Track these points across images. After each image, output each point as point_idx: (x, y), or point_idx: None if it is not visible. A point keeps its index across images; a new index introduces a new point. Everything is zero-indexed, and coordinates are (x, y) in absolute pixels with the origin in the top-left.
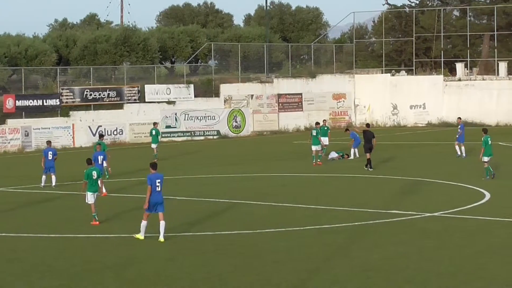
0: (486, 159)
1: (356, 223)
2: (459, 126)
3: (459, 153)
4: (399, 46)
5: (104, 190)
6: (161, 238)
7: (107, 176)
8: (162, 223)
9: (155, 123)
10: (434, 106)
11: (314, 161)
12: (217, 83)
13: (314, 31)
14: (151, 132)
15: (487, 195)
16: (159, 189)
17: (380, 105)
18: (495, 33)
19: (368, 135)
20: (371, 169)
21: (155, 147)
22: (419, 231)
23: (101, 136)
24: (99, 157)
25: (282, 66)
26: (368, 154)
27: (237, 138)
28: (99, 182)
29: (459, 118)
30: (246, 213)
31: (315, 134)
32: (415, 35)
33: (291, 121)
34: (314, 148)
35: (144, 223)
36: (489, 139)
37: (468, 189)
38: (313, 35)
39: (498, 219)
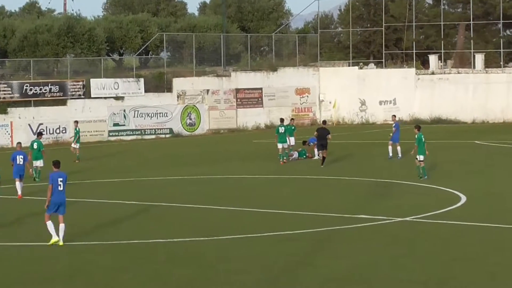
0: (421, 157)
1: (321, 229)
2: (394, 125)
3: (391, 154)
4: (367, 37)
5: (19, 192)
6: (61, 242)
7: (37, 179)
8: (62, 226)
9: (76, 122)
10: (405, 102)
11: (281, 159)
12: (170, 77)
13: (275, 20)
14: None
15: (463, 198)
16: (62, 188)
17: (347, 101)
18: (471, 22)
19: (322, 132)
20: (322, 166)
21: (77, 148)
22: (390, 237)
23: (39, 134)
24: (18, 156)
25: (241, 58)
26: (322, 152)
27: (191, 137)
28: (18, 183)
29: (394, 115)
30: (201, 218)
31: (283, 131)
32: (385, 24)
33: (250, 118)
34: (280, 145)
35: (49, 223)
36: (422, 136)
37: (443, 191)
38: (274, 25)
39: (473, 224)
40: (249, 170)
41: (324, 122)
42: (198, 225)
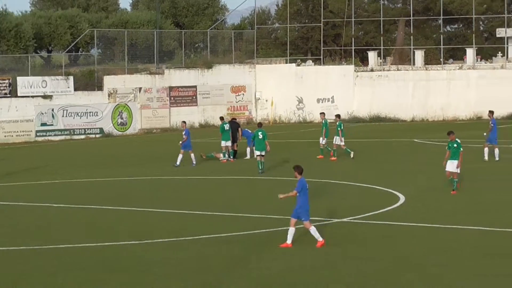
0: (257, 153)
1: (256, 231)
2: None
3: (248, 156)
4: (305, 33)
5: None
6: None
7: None
8: None
9: None
10: (344, 100)
11: (224, 157)
12: (101, 74)
13: (210, 16)
14: None
15: (401, 198)
16: None
17: (284, 99)
18: (411, 18)
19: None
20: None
21: None
22: (327, 239)
23: None
24: None
25: (175, 55)
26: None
27: (123, 137)
28: None
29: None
30: (134, 221)
31: (227, 129)
32: (323, 20)
33: (184, 117)
34: (224, 144)
35: None
36: (259, 133)
37: (381, 191)
38: (209, 21)
39: (411, 224)
40: (183, 171)
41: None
42: (131, 228)
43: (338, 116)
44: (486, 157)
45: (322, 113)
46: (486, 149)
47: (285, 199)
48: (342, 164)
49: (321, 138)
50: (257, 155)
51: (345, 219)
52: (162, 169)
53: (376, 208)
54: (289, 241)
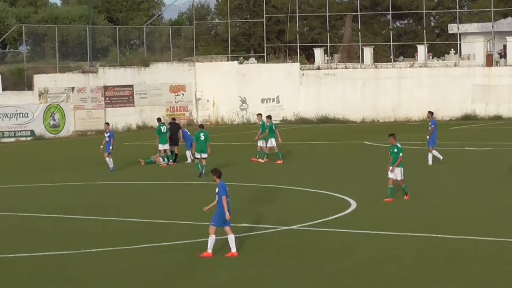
0: (197, 155)
1: (201, 240)
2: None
3: (189, 159)
4: (247, 29)
5: None
6: None
7: None
8: None
9: None
10: (290, 100)
11: (164, 161)
12: (30, 73)
13: (146, 11)
14: None
15: (353, 204)
16: None
17: (226, 99)
18: (359, 13)
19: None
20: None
21: None
22: (274, 247)
23: None
24: None
25: (109, 52)
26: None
27: (55, 140)
28: None
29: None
30: (68, 229)
31: (164, 131)
32: (266, 15)
33: (121, 118)
34: (162, 147)
35: None
36: (201, 134)
37: (331, 197)
38: (145, 16)
39: (363, 231)
40: (121, 176)
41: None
42: (66, 237)
43: (269, 117)
44: (430, 162)
45: (259, 115)
46: (434, 152)
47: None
48: (288, 168)
49: (260, 141)
50: (197, 158)
51: (293, 227)
52: (97, 174)
53: (326, 215)
54: (209, 250)
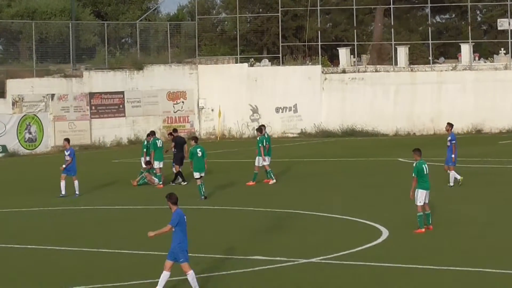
0: (196, 175)
1: (205, 275)
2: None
3: (156, 182)
4: (259, 25)
5: None
6: None
7: None
8: None
9: None
10: (309, 109)
11: (160, 182)
12: (2, 78)
13: (140, 4)
14: None
15: (384, 233)
16: None
17: (234, 108)
18: (391, 6)
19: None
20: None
21: None
22: (292, 284)
23: None
24: None
25: (96, 53)
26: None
27: (31, 156)
28: None
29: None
30: (43, 262)
31: (160, 145)
32: (282, 9)
33: (109, 131)
34: (158, 164)
35: None
36: (198, 150)
37: (359, 224)
38: (138, 10)
39: (396, 265)
40: (107, 199)
41: (196, 139)
42: (39, 271)
43: (260, 129)
44: (451, 182)
45: (262, 126)
46: (451, 172)
47: (158, 236)
48: (307, 190)
49: (260, 158)
50: (197, 178)
51: (313, 259)
52: (79, 196)
53: (352, 245)
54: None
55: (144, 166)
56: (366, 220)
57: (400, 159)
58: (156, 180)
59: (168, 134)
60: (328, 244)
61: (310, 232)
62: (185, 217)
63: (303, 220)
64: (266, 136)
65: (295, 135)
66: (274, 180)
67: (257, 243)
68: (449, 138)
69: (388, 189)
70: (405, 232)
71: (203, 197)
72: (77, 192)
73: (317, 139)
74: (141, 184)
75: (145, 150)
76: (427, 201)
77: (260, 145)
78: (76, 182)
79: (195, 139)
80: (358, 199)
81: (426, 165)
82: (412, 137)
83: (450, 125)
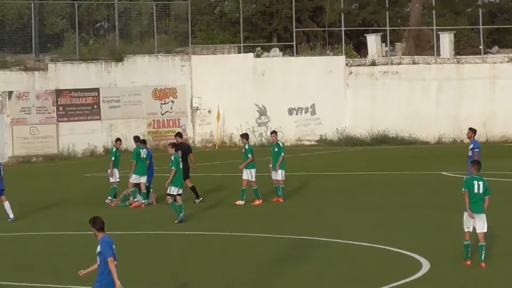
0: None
1: None
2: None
3: (137, 199)
4: (267, 6)
5: None
6: None
7: None
8: None
9: None
10: (331, 110)
11: (149, 199)
12: None
13: None
14: None
15: (425, 265)
16: None
17: (236, 109)
18: None
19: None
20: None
21: None
22: None
23: None
24: None
25: (64, 41)
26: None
27: None
28: None
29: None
30: None
31: (144, 156)
32: None
33: (81, 137)
34: (137, 179)
35: None
36: (180, 160)
37: (393, 253)
38: None
39: None
40: (80, 222)
41: (175, 145)
42: None
43: (244, 136)
44: None
45: (274, 133)
46: None
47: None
48: (329, 212)
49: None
50: (175, 194)
51: None
52: (44, 219)
53: (386, 280)
54: None
55: (113, 180)
56: (402, 249)
57: (444, 173)
58: (139, 197)
59: (168, 145)
60: (356, 278)
61: (334, 265)
62: (114, 246)
63: (325, 249)
64: (281, 145)
65: (312, 143)
66: (257, 202)
67: (270, 278)
68: (471, 146)
69: (428, 210)
70: (449, 264)
71: (181, 217)
72: (11, 216)
73: (340, 147)
74: (123, 206)
75: (113, 158)
76: (479, 230)
77: (249, 155)
78: (6, 204)
79: (174, 145)
80: (391, 223)
81: (481, 182)
82: (459, 145)
83: (472, 130)
